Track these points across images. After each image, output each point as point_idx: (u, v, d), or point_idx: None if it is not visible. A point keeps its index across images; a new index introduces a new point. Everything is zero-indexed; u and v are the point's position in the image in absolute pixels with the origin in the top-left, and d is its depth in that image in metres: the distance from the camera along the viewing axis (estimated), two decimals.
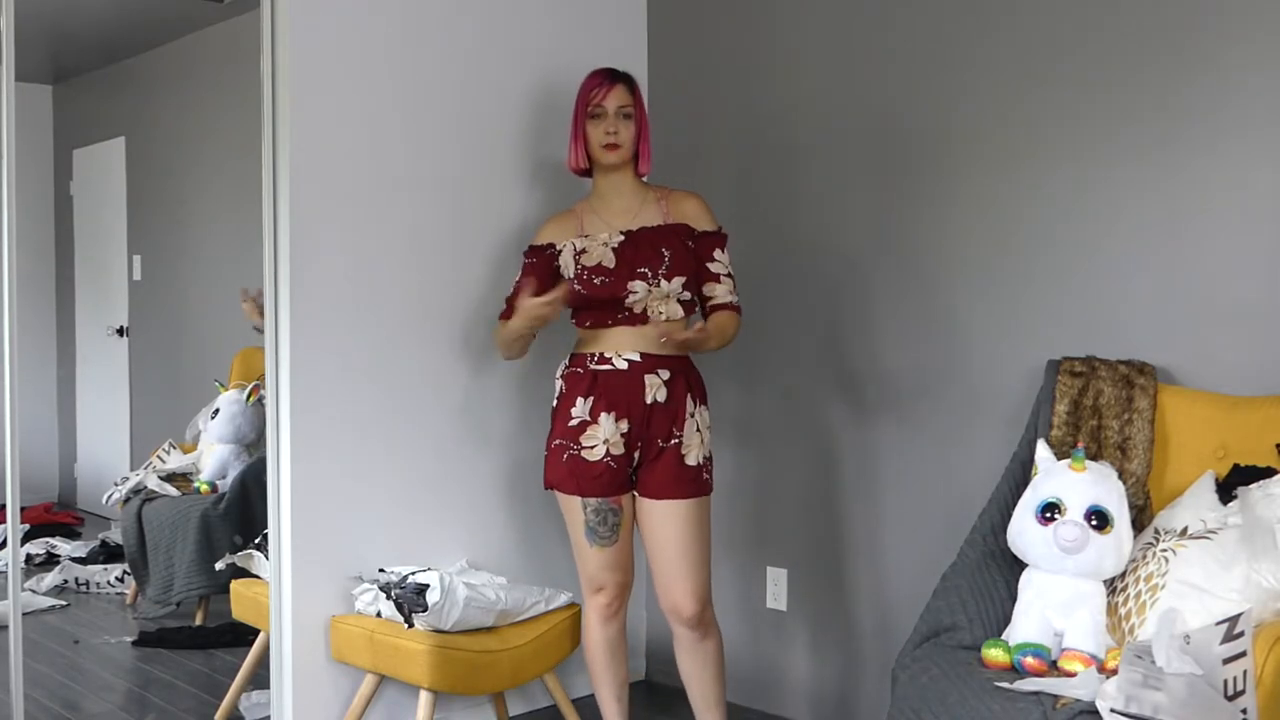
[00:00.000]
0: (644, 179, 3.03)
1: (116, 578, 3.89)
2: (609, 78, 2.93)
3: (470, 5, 3.47)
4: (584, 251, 2.91)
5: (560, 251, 2.96)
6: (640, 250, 2.87)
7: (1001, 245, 3.10)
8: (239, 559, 3.39)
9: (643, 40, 3.93)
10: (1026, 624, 2.44)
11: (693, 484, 2.88)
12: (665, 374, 2.87)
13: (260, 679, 3.28)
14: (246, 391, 3.72)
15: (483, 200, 3.50)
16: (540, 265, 2.98)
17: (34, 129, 3.75)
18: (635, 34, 3.92)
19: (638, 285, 2.85)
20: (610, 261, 2.88)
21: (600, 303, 2.88)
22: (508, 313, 2.99)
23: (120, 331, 3.89)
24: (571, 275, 2.92)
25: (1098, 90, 2.91)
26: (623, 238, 2.90)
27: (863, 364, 3.40)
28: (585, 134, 2.93)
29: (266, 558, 3.26)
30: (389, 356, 3.29)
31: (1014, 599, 2.52)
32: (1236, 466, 2.53)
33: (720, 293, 2.93)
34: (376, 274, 3.26)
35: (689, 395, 2.90)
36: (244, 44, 3.25)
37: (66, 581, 3.87)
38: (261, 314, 3.15)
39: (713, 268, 2.93)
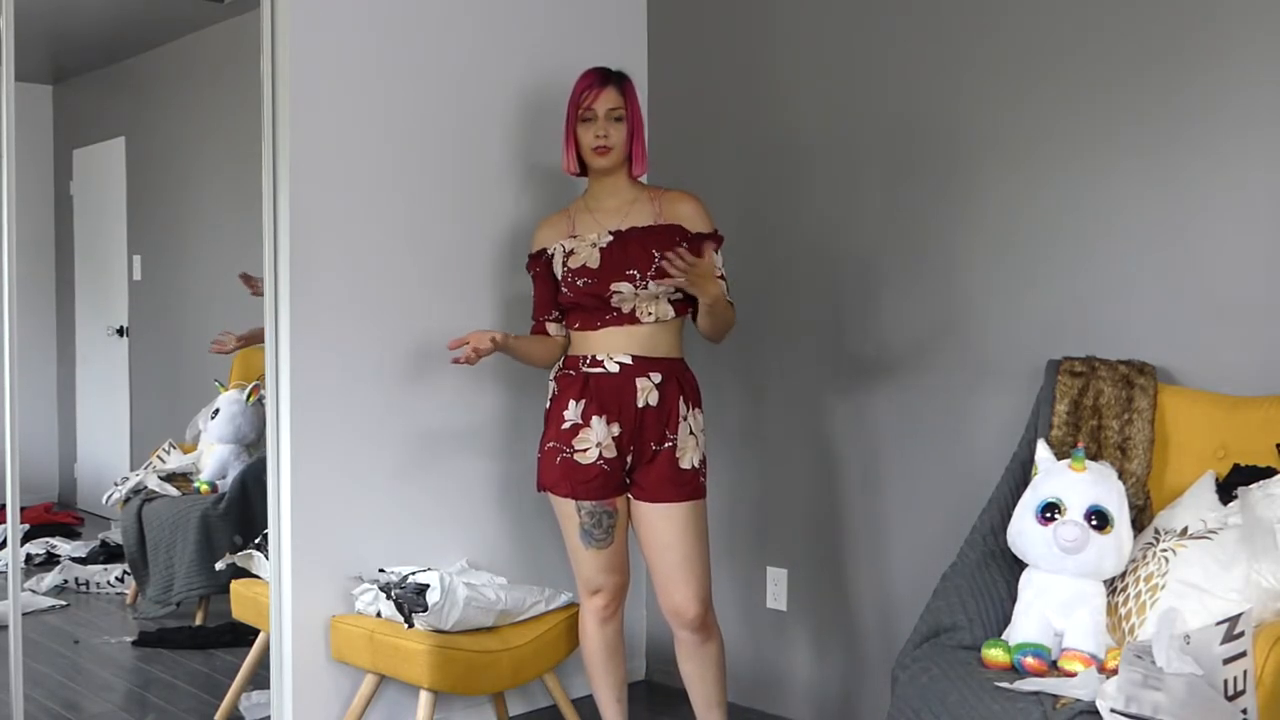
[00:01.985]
0: (640, 180, 3.00)
1: (116, 578, 3.88)
2: (600, 80, 2.89)
3: (470, 5, 3.46)
4: (572, 253, 2.90)
5: (553, 256, 2.96)
6: (629, 251, 2.84)
7: (1002, 245, 3.10)
8: (239, 559, 3.39)
9: (643, 40, 3.93)
10: (1026, 624, 2.44)
11: (689, 487, 2.87)
12: (657, 377, 2.85)
13: (260, 679, 3.28)
14: (246, 391, 3.72)
15: (483, 201, 3.50)
16: (544, 272, 2.98)
17: (34, 129, 3.75)
18: (635, 34, 3.91)
19: (623, 286, 2.82)
20: (595, 262, 2.86)
21: (586, 304, 2.87)
22: (536, 329, 3.00)
23: (120, 331, 3.89)
24: (560, 277, 2.91)
25: (1098, 90, 2.91)
26: (611, 238, 2.88)
27: (863, 363, 3.40)
28: (576, 137, 2.92)
29: (266, 558, 3.26)
30: (389, 356, 3.29)
31: (1014, 599, 2.52)
32: (1237, 466, 2.53)
33: None
34: (376, 274, 3.26)
35: (681, 398, 2.88)
36: (244, 44, 3.25)
37: (66, 581, 3.87)
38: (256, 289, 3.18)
39: None
